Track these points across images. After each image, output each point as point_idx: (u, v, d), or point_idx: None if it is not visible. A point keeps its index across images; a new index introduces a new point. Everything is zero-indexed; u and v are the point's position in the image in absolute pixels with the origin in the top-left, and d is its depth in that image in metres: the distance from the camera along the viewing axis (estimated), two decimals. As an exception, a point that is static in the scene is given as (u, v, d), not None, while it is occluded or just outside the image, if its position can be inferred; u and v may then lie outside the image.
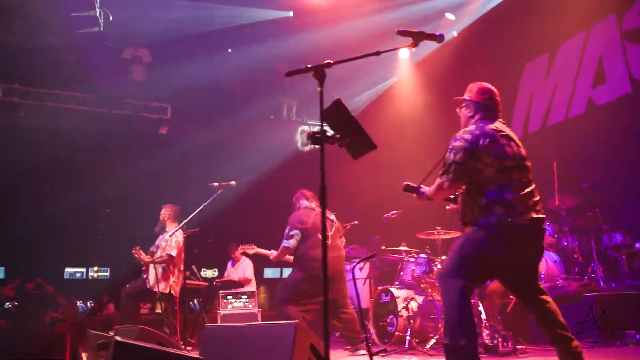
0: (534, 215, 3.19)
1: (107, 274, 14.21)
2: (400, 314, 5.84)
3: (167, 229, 6.71)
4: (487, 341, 4.84)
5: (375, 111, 10.86)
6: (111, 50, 9.67)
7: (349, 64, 2.75)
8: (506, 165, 3.21)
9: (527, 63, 8.93)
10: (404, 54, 9.92)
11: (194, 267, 8.07)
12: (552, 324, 3.15)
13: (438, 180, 3.37)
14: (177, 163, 10.31)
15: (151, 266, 6.36)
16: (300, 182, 6.11)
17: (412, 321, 5.71)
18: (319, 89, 2.50)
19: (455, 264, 3.19)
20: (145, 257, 6.42)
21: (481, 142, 3.21)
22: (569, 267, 6.35)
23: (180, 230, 6.37)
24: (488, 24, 8.83)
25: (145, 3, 8.83)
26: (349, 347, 5.57)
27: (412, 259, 6.20)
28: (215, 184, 5.95)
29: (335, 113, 2.55)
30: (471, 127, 3.33)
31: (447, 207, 6.05)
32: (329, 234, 5.47)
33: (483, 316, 5.08)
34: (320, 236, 5.42)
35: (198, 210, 5.99)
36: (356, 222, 6.85)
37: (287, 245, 5.58)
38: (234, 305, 7.37)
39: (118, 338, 2.48)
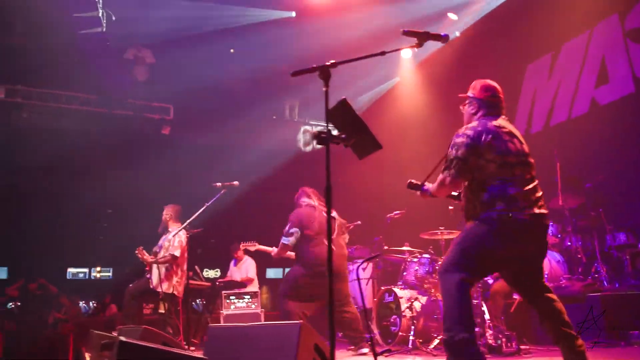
0: (536, 211, 3.16)
1: (110, 274, 14.26)
2: (403, 314, 5.83)
3: (169, 229, 6.71)
4: (490, 341, 4.83)
5: (378, 111, 10.85)
6: (114, 50, 9.68)
7: (351, 64, 2.75)
8: (508, 161, 3.20)
9: (530, 63, 8.92)
10: (407, 54, 9.91)
11: (196, 267, 8.07)
12: (557, 323, 3.13)
13: (440, 177, 3.37)
14: (180, 163, 10.32)
15: (154, 266, 6.36)
16: (303, 182, 6.11)
17: (415, 321, 5.70)
18: (324, 88, 2.50)
19: (456, 258, 3.17)
20: (148, 258, 6.42)
21: (483, 138, 3.20)
22: (573, 267, 6.33)
23: (183, 230, 6.38)
24: (491, 23, 8.82)
25: (148, 3, 8.83)
26: (352, 347, 5.57)
27: (415, 259, 6.19)
28: (219, 184, 5.95)
29: (341, 113, 2.54)
30: (473, 124, 3.33)
31: (450, 207, 6.09)
32: (333, 235, 5.47)
33: (487, 316, 5.07)
34: (323, 234, 5.42)
35: (201, 210, 5.99)
36: (359, 222, 6.85)
37: (285, 242, 5.58)
38: (236, 306, 7.36)
39: (122, 338, 2.47)
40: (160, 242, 6.67)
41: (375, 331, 6.21)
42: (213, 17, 9.38)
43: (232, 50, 10.26)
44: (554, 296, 3.22)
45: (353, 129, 2.56)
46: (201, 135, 10.54)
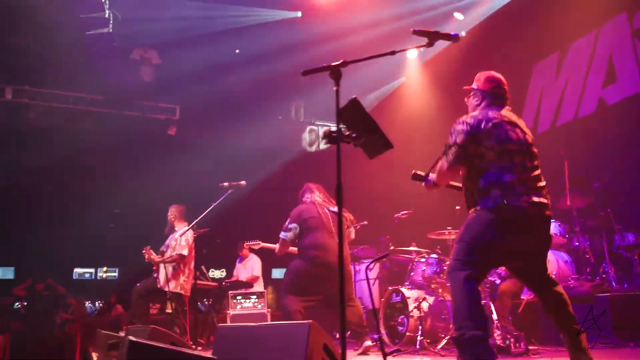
0: (535, 199, 3.12)
1: (116, 274, 14.29)
2: (411, 314, 5.81)
3: (176, 229, 6.73)
4: (499, 342, 4.81)
5: (384, 111, 10.84)
6: (120, 51, 9.71)
7: (357, 64, 2.75)
8: (508, 149, 3.17)
9: (537, 62, 8.88)
10: (412, 53, 9.91)
11: (203, 267, 8.08)
12: (561, 316, 3.15)
13: (439, 163, 3.37)
14: (186, 164, 10.34)
15: (161, 266, 6.38)
16: (309, 182, 6.09)
17: (423, 321, 5.68)
18: (334, 88, 2.50)
19: (459, 254, 3.16)
20: (155, 257, 6.43)
21: (483, 125, 3.19)
22: (581, 267, 6.29)
23: (190, 230, 6.40)
24: (497, 22, 8.79)
25: (154, 4, 8.86)
26: (357, 347, 5.55)
27: (422, 259, 6.18)
28: (226, 183, 5.96)
29: (351, 112, 2.54)
30: (474, 113, 3.35)
31: (457, 207, 6.07)
32: (333, 229, 5.47)
33: (494, 317, 5.05)
34: (323, 229, 5.43)
35: (208, 210, 6.00)
36: (365, 222, 6.83)
37: (283, 237, 5.59)
38: (243, 306, 7.36)
39: (132, 338, 2.47)
40: (168, 241, 6.69)
41: (383, 331, 6.20)
42: (219, 18, 9.41)
43: (237, 51, 10.28)
44: (560, 289, 3.23)
45: (363, 129, 2.56)
46: (207, 135, 10.56)
